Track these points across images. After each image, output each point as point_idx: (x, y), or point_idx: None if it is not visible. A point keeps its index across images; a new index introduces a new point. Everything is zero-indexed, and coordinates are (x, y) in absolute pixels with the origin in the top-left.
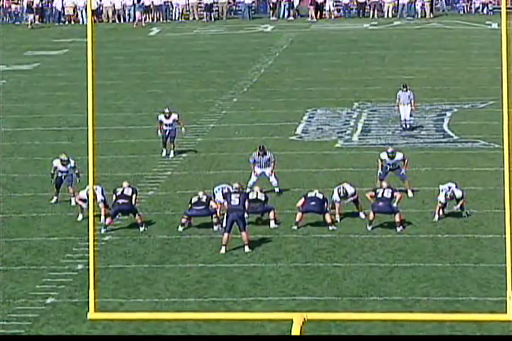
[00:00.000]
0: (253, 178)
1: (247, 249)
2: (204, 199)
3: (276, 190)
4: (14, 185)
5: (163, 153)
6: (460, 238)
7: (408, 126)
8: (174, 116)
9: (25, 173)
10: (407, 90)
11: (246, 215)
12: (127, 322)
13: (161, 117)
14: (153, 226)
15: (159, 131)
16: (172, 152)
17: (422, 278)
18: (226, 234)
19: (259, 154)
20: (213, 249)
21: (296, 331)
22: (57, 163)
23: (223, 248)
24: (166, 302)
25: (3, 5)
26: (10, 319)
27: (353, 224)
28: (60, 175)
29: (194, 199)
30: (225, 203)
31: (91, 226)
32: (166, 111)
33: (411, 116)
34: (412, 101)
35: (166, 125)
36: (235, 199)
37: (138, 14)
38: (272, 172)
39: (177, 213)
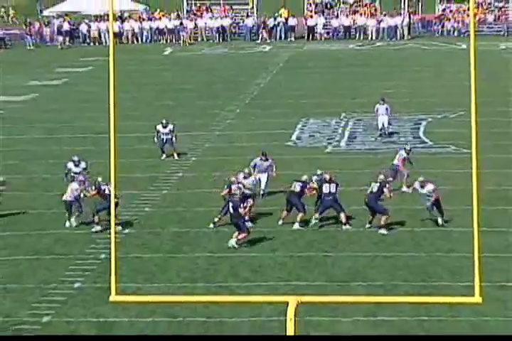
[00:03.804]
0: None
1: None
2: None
3: (262, 192)
4: (46, 184)
5: (163, 157)
6: (434, 231)
7: (386, 133)
8: (170, 126)
9: (55, 174)
10: (384, 103)
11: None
12: (144, 304)
13: (159, 127)
14: (166, 220)
15: (156, 139)
16: (176, 155)
17: (401, 266)
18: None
19: (261, 159)
20: (219, 240)
21: (291, 312)
22: (70, 164)
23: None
24: (177, 286)
25: (36, 28)
26: (42, 301)
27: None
28: (73, 175)
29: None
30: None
31: (112, 221)
32: (164, 121)
33: (389, 124)
34: (389, 113)
35: (163, 134)
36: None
37: (184, 34)
38: (267, 178)
39: (188, 209)
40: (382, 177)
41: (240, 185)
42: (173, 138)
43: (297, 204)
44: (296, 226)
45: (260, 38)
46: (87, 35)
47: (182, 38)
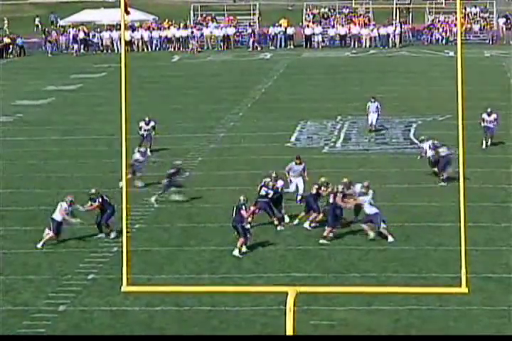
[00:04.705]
0: (292, 187)
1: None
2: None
3: (299, 197)
4: (62, 182)
5: (136, 149)
6: (423, 226)
7: (374, 128)
8: (152, 123)
9: (71, 173)
10: (374, 101)
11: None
12: (153, 293)
13: (142, 123)
14: (174, 216)
15: (139, 133)
16: (149, 150)
17: (393, 259)
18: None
19: (296, 163)
20: (223, 235)
21: (290, 301)
22: (137, 155)
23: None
24: (185, 278)
25: (53, 37)
26: (59, 291)
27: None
28: (138, 164)
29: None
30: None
31: (124, 216)
32: (146, 119)
33: (377, 120)
34: (379, 111)
35: (145, 130)
36: (242, 211)
37: (194, 42)
38: (303, 182)
39: (194, 206)
40: (344, 181)
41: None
42: (152, 134)
43: (312, 205)
44: (306, 225)
45: (251, 46)
46: (100, 44)
47: (191, 46)
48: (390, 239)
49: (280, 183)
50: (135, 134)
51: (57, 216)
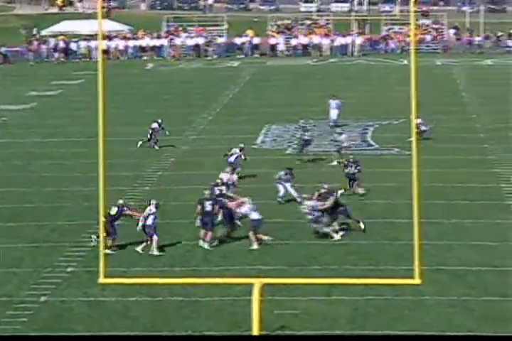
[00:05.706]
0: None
1: (206, 245)
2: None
3: (299, 199)
4: (43, 181)
5: (157, 147)
6: (380, 222)
7: (335, 124)
8: (163, 125)
9: (52, 173)
10: (335, 99)
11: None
12: (129, 285)
13: (155, 125)
14: None
15: (148, 133)
16: (157, 146)
17: (352, 252)
18: (203, 231)
19: (285, 173)
20: (194, 230)
21: (256, 292)
22: (232, 158)
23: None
24: (158, 270)
25: (35, 46)
26: (40, 283)
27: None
28: (233, 160)
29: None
30: (199, 207)
31: (101, 213)
32: (159, 121)
33: (338, 116)
34: (340, 107)
35: (158, 130)
36: (208, 206)
37: (171, 51)
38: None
39: (167, 203)
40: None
41: (210, 201)
42: (166, 132)
43: (227, 220)
44: (206, 245)
45: (208, 55)
46: (77, 52)
47: (169, 54)
48: (255, 246)
49: (234, 178)
50: (112, 137)
51: (149, 221)
